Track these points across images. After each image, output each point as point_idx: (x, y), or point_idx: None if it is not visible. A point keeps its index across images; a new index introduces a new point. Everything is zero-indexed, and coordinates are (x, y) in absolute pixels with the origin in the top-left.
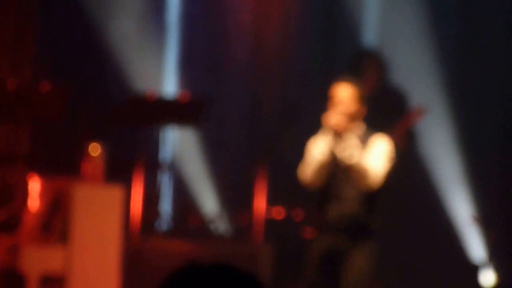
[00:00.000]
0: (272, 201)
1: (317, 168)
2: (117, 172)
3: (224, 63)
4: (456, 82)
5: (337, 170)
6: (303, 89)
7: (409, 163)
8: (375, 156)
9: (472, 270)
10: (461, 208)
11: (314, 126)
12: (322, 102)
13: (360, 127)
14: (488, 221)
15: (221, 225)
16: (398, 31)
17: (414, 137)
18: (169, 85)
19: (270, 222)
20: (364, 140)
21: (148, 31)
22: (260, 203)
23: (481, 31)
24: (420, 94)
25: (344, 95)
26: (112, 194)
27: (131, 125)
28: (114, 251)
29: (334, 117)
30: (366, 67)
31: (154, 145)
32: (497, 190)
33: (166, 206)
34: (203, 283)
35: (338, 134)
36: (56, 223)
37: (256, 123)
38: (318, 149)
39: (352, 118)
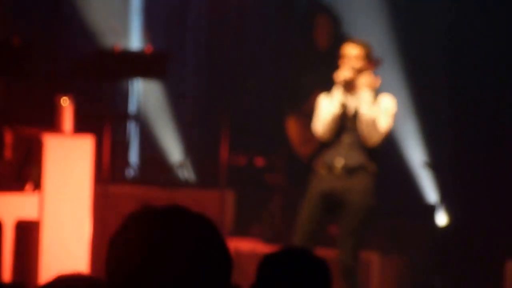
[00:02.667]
0: (235, 148)
1: (328, 121)
2: (87, 123)
3: (184, 17)
4: (406, 30)
5: (345, 122)
6: (261, 43)
7: None
8: (383, 115)
9: (429, 211)
10: (415, 154)
11: (273, 78)
12: (279, 55)
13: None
14: (439, 165)
15: (186, 173)
16: None
17: None
18: (133, 40)
19: (233, 169)
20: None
21: None
22: (223, 150)
23: None
24: (374, 46)
25: (353, 53)
26: (82, 144)
27: (99, 78)
28: (84, 197)
29: (343, 72)
30: (319, 22)
31: (121, 98)
32: (448, 136)
33: (133, 155)
34: (156, 224)
35: (347, 89)
36: (29, 172)
37: (216, 74)
38: (330, 103)
39: (361, 73)
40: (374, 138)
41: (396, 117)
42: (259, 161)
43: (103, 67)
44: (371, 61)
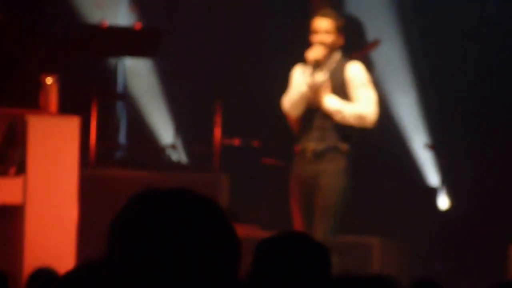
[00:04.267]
0: (228, 130)
1: (297, 99)
2: (73, 102)
3: None
4: (410, 12)
5: (316, 104)
6: (257, 22)
7: None
8: (363, 95)
9: (431, 194)
10: (417, 135)
11: (269, 59)
12: (276, 35)
13: (336, 56)
14: (440, 148)
15: (177, 155)
16: None
17: (371, 67)
18: (123, 17)
19: (226, 151)
20: (339, 68)
21: None
22: (216, 131)
23: None
24: (375, 25)
25: (322, 27)
26: (67, 124)
27: (86, 54)
28: (70, 181)
29: (314, 51)
30: (314, 4)
31: (109, 76)
32: (450, 118)
33: (122, 136)
34: (162, 206)
35: (318, 66)
36: (12, 154)
37: (210, 55)
38: (299, 81)
39: (331, 48)
40: (368, 122)
41: (399, 98)
42: (255, 143)
43: (90, 43)
44: (342, 34)
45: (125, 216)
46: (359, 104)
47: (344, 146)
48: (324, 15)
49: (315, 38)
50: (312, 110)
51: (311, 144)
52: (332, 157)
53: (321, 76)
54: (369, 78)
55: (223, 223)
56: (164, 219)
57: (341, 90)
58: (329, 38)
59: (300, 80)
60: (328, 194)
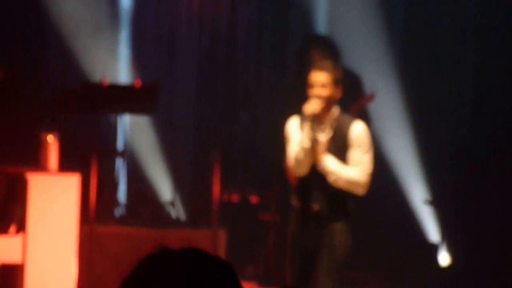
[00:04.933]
0: (226, 184)
1: (303, 157)
2: (73, 159)
3: (174, 50)
4: (406, 66)
5: (314, 159)
6: (255, 75)
7: None
8: (360, 161)
9: (431, 250)
10: (417, 192)
11: (266, 110)
12: (274, 87)
13: (335, 111)
14: (441, 204)
15: (176, 210)
16: (348, 18)
17: (368, 120)
18: (122, 74)
19: (225, 206)
20: (343, 126)
21: (101, 20)
22: (215, 187)
23: (428, 16)
24: (371, 79)
25: (319, 80)
26: (67, 182)
27: (86, 112)
28: (70, 238)
29: (311, 105)
30: (313, 58)
31: (109, 132)
32: (449, 174)
33: (121, 193)
34: (175, 267)
35: (317, 120)
36: (13, 212)
37: (207, 107)
38: (299, 137)
39: (328, 102)
40: (359, 191)
41: (398, 152)
42: (253, 199)
43: (91, 101)
44: (340, 87)
45: (138, 279)
46: (355, 170)
47: (349, 205)
48: (321, 68)
49: (312, 92)
50: (314, 167)
51: (315, 203)
52: (338, 216)
53: (325, 134)
54: (370, 143)
55: (232, 282)
56: (178, 284)
57: (342, 149)
58: (326, 92)
59: (301, 135)
60: (334, 252)
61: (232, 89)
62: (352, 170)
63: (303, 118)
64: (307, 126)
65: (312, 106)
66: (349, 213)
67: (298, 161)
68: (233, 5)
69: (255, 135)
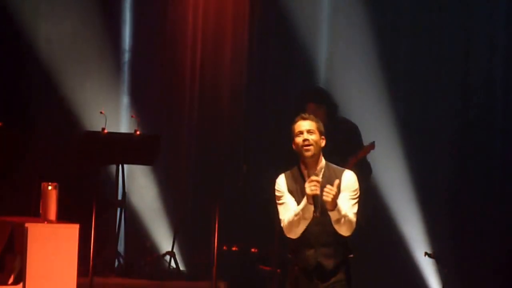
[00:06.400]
0: (227, 237)
1: (296, 225)
2: (72, 210)
3: (175, 101)
4: (406, 119)
5: (312, 217)
6: (257, 126)
7: (365, 201)
8: (347, 202)
9: None
10: (419, 244)
11: (268, 162)
12: (276, 139)
13: (322, 159)
14: (441, 257)
15: (176, 263)
16: (348, 69)
17: (368, 170)
18: (122, 125)
19: (225, 258)
20: (331, 173)
21: (102, 71)
22: (214, 239)
23: (429, 73)
24: (371, 131)
25: (306, 127)
26: (66, 232)
27: (86, 162)
28: None
29: (310, 186)
30: (309, 110)
31: (108, 183)
32: (449, 228)
33: (120, 244)
34: None
35: (316, 203)
36: (11, 262)
37: (208, 160)
38: (295, 209)
39: (319, 150)
40: (349, 232)
41: (398, 206)
42: (252, 251)
43: (90, 151)
44: (323, 138)
45: None
46: (349, 212)
47: (350, 258)
48: (304, 118)
49: (300, 138)
50: (311, 224)
51: (317, 260)
52: (340, 270)
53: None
54: (359, 190)
55: None
56: None
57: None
58: (314, 137)
59: (298, 208)
60: None
61: (233, 142)
62: (348, 212)
63: (293, 176)
64: (304, 202)
65: (310, 188)
66: (350, 265)
67: (291, 227)
68: (234, 58)
69: (256, 187)
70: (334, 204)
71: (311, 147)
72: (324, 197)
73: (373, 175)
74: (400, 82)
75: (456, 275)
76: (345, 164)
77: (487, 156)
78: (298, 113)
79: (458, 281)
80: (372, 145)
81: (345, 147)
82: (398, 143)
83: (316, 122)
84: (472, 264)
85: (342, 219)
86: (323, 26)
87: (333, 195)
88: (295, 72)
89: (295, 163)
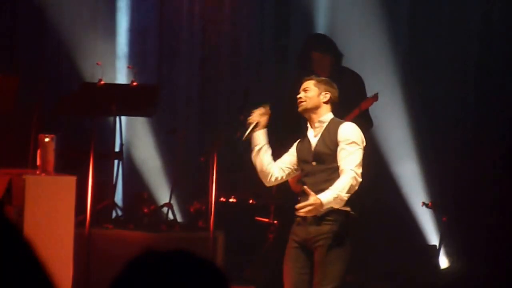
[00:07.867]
0: (224, 188)
1: (255, 163)
2: (70, 161)
3: (174, 52)
4: (409, 66)
5: (309, 167)
6: (255, 78)
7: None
8: (342, 154)
9: (430, 253)
10: (417, 195)
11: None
12: (275, 90)
13: (327, 117)
14: (440, 206)
15: (173, 213)
16: (350, 17)
17: (369, 122)
18: (120, 76)
19: (222, 209)
20: (329, 127)
21: (99, 21)
22: (211, 190)
23: (433, 16)
24: (373, 80)
25: (305, 86)
26: (64, 184)
27: (84, 113)
28: (66, 240)
29: (306, 209)
30: (314, 58)
31: (107, 134)
32: (449, 176)
33: (118, 195)
34: (162, 269)
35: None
36: (9, 213)
37: (206, 111)
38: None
39: (316, 109)
40: (357, 186)
41: (399, 157)
42: (250, 203)
43: (88, 102)
44: (328, 91)
45: (125, 282)
46: (345, 175)
47: (347, 208)
48: (305, 80)
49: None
50: (308, 175)
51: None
52: (335, 218)
53: (315, 137)
54: (361, 139)
55: (220, 284)
56: (162, 283)
57: (330, 148)
58: (313, 102)
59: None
60: (332, 256)
61: (233, 93)
62: (343, 179)
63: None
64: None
65: (306, 211)
66: (347, 215)
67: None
68: (235, 9)
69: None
70: (318, 210)
71: (302, 103)
72: (307, 214)
73: (374, 128)
74: (405, 27)
75: (454, 224)
76: (346, 116)
77: (498, 103)
78: (301, 62)
79: (456, 231)
80: (375, 97)
81: (349, 98)
82: (401, 92)
83: (316, 79)
84: (470, 214)
85: (338, 201)
86: None
87: (309, 210)
88: (294, 19)
89: (296, 114)
